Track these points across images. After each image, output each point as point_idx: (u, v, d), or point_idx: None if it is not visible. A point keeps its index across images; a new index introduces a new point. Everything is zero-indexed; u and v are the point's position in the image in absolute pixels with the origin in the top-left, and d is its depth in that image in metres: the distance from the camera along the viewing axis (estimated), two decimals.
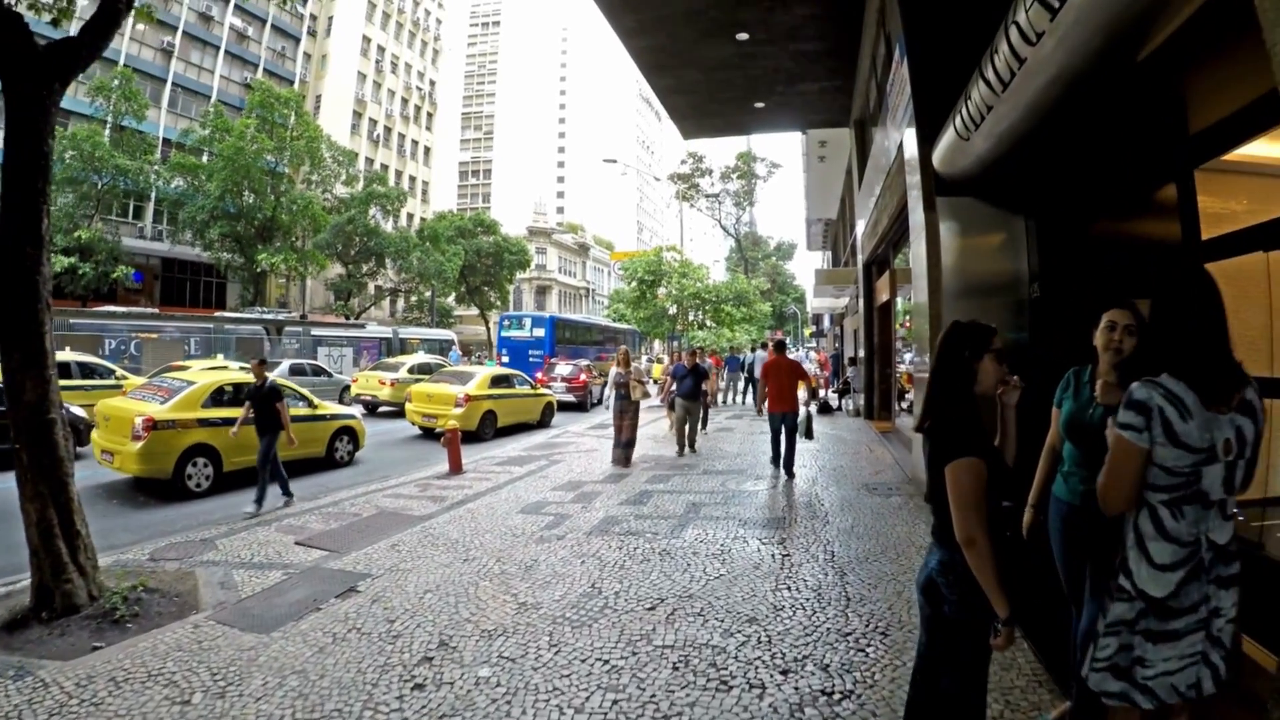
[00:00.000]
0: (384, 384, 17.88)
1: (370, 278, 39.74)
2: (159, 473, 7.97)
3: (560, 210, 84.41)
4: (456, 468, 9.61)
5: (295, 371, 20.21)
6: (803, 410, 8.83)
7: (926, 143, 6.36)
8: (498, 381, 14.26)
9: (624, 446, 9.87)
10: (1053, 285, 5.55)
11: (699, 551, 5.50)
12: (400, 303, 45.42)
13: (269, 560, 5.41)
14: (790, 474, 8.55)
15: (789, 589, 4.63)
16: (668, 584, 4.77)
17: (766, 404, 8.64)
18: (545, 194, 77.13)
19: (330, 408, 11.04)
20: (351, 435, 10.99)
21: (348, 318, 35.00)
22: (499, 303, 47.77)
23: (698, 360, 11.32)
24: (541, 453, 11.12)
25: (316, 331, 27.50)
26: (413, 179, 53.07)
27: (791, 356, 9.49)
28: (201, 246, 30.54)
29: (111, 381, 13.43)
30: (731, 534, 6.01)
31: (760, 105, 14.07)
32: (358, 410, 12.20)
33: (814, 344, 40.95)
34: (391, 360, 21.46)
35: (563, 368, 19.21)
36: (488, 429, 13.41)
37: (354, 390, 19.03)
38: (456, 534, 6.21)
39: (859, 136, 14.17)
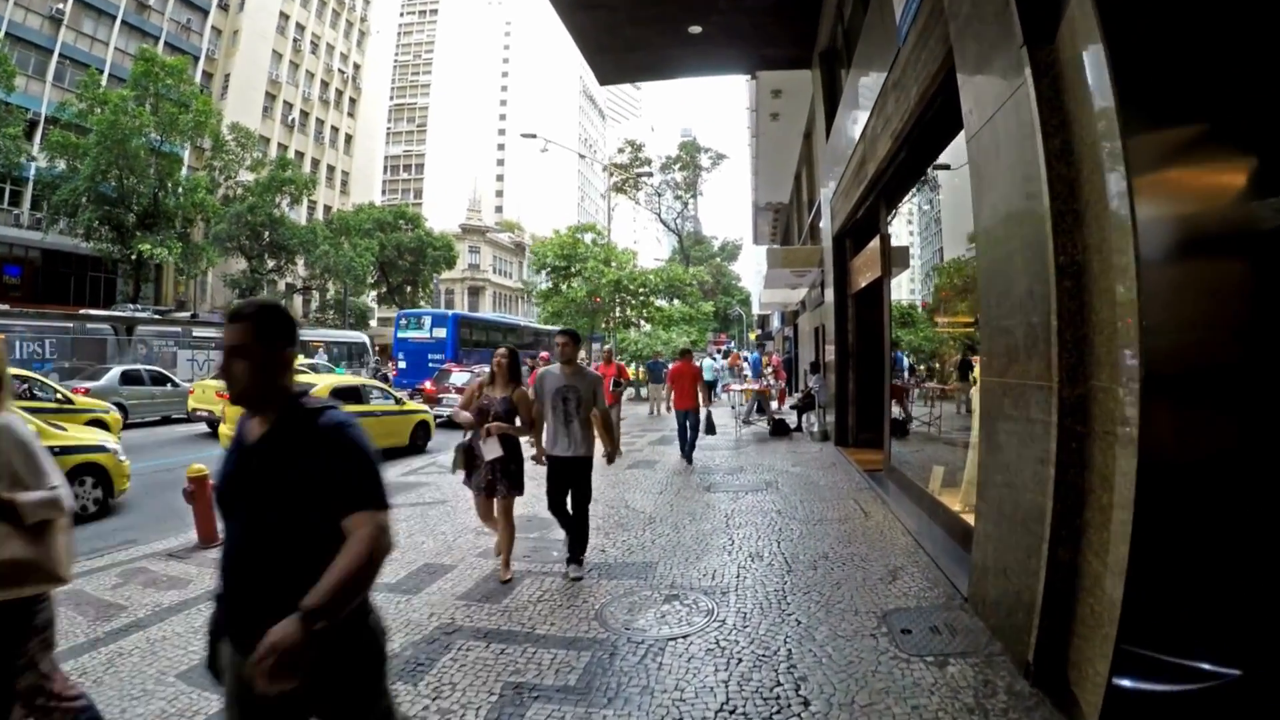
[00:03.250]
0: (222, 396, 13.87)
1: (277, 274, 35.46)
2: None
3: (499, 209, 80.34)
4: (207, 536, 6.04)
5: (130, 379, 16.65)
6: (704, 410, 9.99)
7: None
8: (342, 395, 10.45)
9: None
10: None
11: None
12: (314, 301, 40.99)
13: None
14: (689, 461, 9.42)
15: None
16: None
17: (673, 402, 9.86)
18: (483, 192, 72.93)
19: (66, 437, 7.30)
20: (100, 476, 7.44)
21: None
22: (424, 303, 43.89)
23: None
24: None
25: (197, 332, 23.82)
26: (331, 168, 48.76)
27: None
28: (82, 235, 26.48)
29: None
30: None
31: (696, 30, 10.59)
32: (108, 442, 7.87)
33: (764, 347, 37.75)
34: None
35: (458, 376, 15.38)
36: None
37: (190, 404, 15.09)
38: None
39: (826, 74, 10.91)
